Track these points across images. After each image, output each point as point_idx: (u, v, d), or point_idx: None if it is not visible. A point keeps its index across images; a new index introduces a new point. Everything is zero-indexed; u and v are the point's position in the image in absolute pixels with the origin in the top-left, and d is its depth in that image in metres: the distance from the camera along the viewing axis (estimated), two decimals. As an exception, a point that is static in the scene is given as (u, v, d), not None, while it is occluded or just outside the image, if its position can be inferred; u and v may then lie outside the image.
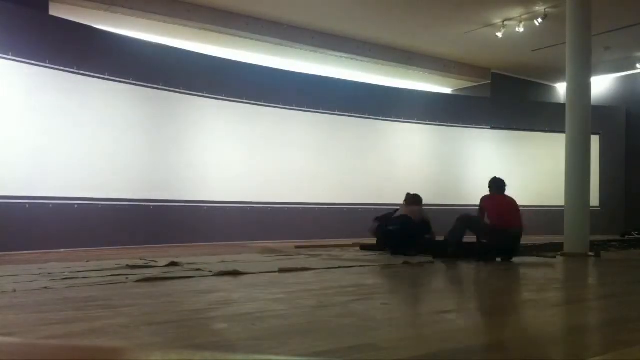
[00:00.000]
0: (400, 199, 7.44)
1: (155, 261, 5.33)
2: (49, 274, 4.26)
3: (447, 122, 12.37)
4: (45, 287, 3.51)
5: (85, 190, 7.85)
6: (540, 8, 10.16)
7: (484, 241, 6.16)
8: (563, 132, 7.15)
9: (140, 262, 5.22)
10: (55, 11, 8.64)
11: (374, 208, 11.19)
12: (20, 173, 7.22)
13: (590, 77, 7.19)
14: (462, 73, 13.58)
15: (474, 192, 10.33)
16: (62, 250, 7.27)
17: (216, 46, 10.80)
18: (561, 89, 14.88)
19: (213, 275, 4.26)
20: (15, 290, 3.35)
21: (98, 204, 7.98)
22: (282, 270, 4.64)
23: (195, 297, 3.26)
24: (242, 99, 9.81)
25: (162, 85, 8.83)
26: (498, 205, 6.21)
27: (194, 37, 10.42)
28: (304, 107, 10.57)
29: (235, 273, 4.35)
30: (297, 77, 10.78)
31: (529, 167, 12.94)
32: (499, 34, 11.04)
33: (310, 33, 11.19)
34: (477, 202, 6.37)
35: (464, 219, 6.34)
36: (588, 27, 7.06)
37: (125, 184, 8.33)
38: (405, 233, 6.75)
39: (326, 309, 2.91)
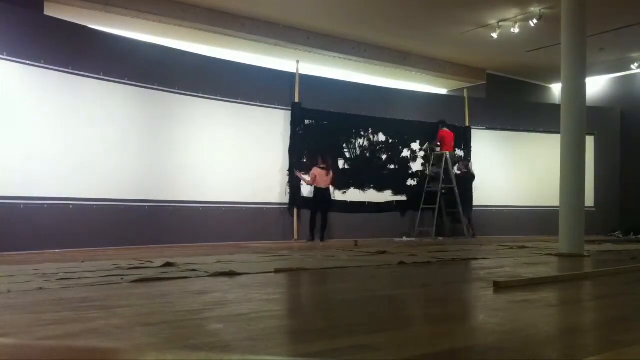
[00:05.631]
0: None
1: (150, 262, 5.32)
2: (44, 274, 4.24)
3: (442, 123, 12.35)
4: (40, 288, 3.49)
5: (80, 191, 7.82)
6: (535, 9, 10.18)
7: None
8: (558, 132, 7.15)
9: (136, 263, 5.20)
10: (50, 11, 8.62)
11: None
12: (14, 173, 7.19)
13: (585, 78, 7.20)
14: (457, 74, 13.60)
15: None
16: (57, 250, 7.25)
17: (211, 46, 10.78)
18: (556, 89, 14.92)
19: (209, 276, 4.24)
20: (10, 291, 3.33)
21: (93, 205, 7.96)
22: (278, 271, 4.63)
23: (190, 298, 3.25)
24: (238, 99, 9.80)
25: (157, 86, 8.82)
26: None
27: (189, 37, 10.40)
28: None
29: (231, 273, 4.34)
30: (292, 78, 10.76)
31: (524, 168, 12.96)
32: (494, 35, 11.06)
33: (306, 33, 11.19)
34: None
35: None
36: (583, 28, 7.07)
37: (120, 184, 8.30)
38: None
39: (323, 309, 2.90)
